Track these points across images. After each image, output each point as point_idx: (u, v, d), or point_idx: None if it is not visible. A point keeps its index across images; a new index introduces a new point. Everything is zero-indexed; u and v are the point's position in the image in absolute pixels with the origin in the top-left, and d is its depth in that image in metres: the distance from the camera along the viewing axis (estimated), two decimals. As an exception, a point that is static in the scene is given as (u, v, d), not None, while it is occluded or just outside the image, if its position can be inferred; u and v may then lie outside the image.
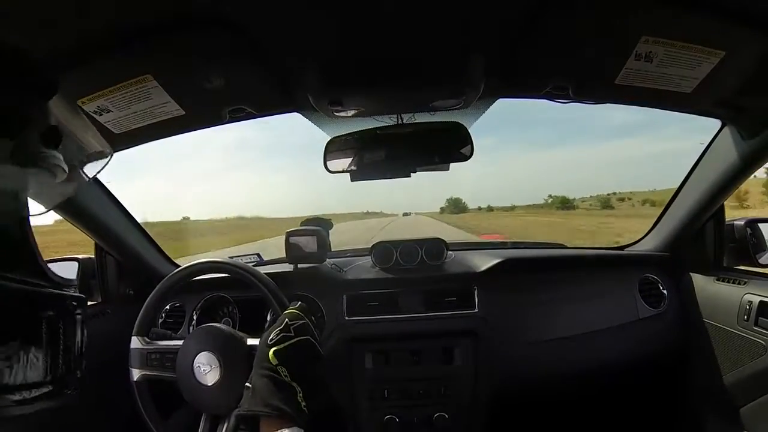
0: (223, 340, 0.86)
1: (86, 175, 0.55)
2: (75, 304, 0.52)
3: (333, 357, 1.28)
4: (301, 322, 0.75)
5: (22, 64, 0.42)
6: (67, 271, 1.31)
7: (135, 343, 0.96)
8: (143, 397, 0.92)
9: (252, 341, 0.85)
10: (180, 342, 0.92)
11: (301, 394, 0.69)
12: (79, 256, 1.34)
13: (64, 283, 0.53)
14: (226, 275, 0.99)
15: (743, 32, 0.75)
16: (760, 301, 1.10)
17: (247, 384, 0.71)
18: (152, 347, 0.93)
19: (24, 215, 0.48)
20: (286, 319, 0.75)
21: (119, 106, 0.86)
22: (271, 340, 0.72)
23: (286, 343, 0.72)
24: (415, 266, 1.40)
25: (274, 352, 0.71)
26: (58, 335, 0.50)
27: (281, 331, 0.73)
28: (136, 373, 0.92)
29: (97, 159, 0.56)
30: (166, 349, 0.92)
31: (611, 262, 1.56)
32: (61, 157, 0.47)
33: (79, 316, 0.53)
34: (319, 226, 1.44)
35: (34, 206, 0.51)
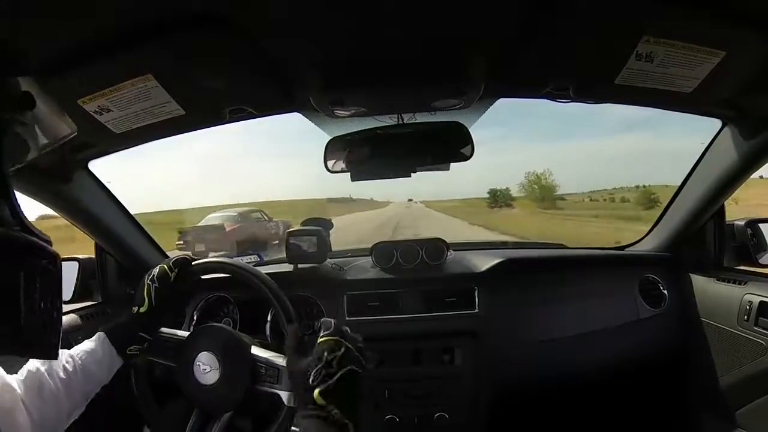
0: (226, 342, 0.86)
1: (49, 139, 0.55)
2: (45, 261, 0.53)
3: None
4: (341, 351, 0.68)
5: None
6: (67, 271, 1.31)
7: None
8: (140, 383, 0.92)
9: (257, 351, 0.84)
10: (181, 333, 0.92)
11: (353, 428, 0.65)
12: (79, 256, 1.34)
13: (42, 236, 0.54)
14: (226, 275, 0.99)
15: (744, 33, 0.75)
16: (761, 302, 1.10)
17: (294, 429, 0.70)
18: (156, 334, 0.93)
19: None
20: (325, 353, 0.67)
21: (120, 106, 0.86)
22: (313, 381, 0.65)
23: (331, 381, 0.65)
24: (415, 266, 1.40)
25: (320, 392, 0.64)
26: (34, 283, 0.50)
27: (323, 368, 0.66)
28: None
29: (65, 137, 0.58)
30: (168, 337, 0.91)
31: (611, 262, 1.57)
32: (35, 129, 0.49)
33: (52, 270, 0.53)
34: (319, 226, 1.44)
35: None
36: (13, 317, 0.47)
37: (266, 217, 12.51)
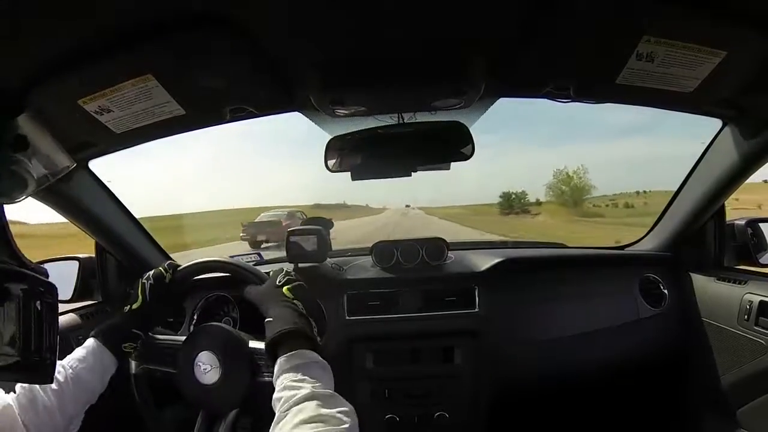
0: (225, 340, 0.86)
1: (49, 176, 0.58)
2: (42, 289, 0.54)
3: (334, 356, 1.27)
4: (294, 274, 0.81)
5: None
6: (68, 270, 1.32)
7: None
8: (141, 389, 0.92)
9: (254, 344, 0.85)
10: (179, 338, 0.92)
11: (315, 329, 0.74)
12: (80, 256, 1.34)
13: (36, 268, 0.56)
14: (226, 275, 0.99)
15: (744, 33, 0.74)
16: (761, 301, 1.10)
17: (268, 319, 0.73)
18: (153, 341, 0.93)
19: None
20: (284, 269, 0.81)
21: (120, 106, 0.86)
22: (279, 281, 0.78)
23: (295, 284, 0.78)
24: (415, 266, 1.40)
25: (288, 289, 0.76)
26: (30, 311, 0.52)
27: (285, 275, 0.79)
28: (134, 366, 0.92)
29: (62, 172, 0.60)
30: (166, 344, 0.92)
31: (612, 262, 1.57)
32: (31, 167, 0.51)
33: (49, 301, 0.55)
34: (320, 225, 1.44)
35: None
36: (12, 347, 0.48)
37: (304, 216, 15.76)
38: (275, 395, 0.62)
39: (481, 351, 1.30)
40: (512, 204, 40.83)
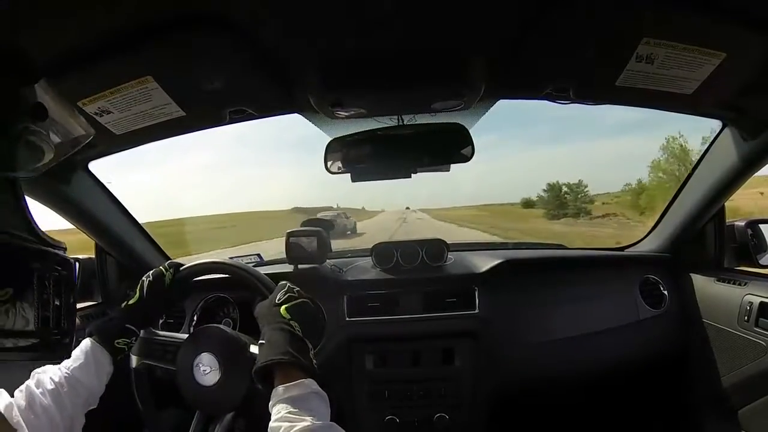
0: (226, 342, 0.86)
1: (68, 146, 0.57)
2: (59, 267, 0.54)
3: (333, 358, 1.28)
4: (299, 288, 0.78)
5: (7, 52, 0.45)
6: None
7: None
8: (140, 384, 0.91)
9: (255, 349, 0.84)
10: (180, 335, 0.92)
11: (312, 351, 0.71)
12: (80, 256, 1.34)
13: (54, 243, 0.56)
14: (226, 276, 0.99)
15: (744, 34, 0.75)
16: (761, 302, 1.10)
17: (261, 341, 0.72)
18: (154, 337, 0.93)
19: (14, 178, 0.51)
20: (287, 285, 0.77)
21: (120, 108, 0.86)
22: (279, 300, 0.74)
23: (294, 302, 0.74)
24: (415, 267, 1.40)
25: (286, 308, 0.73)
26: (46, 289, 0.52)
27: (286, 292, 0.76)
28: (135, 361, 0.92)
29: (80, 140, 0.59)
30: (168, 341, 0.91)
31: (612, 263, 1.57)
32: (48, 135, 0.51)
33: (66, 275, 0.55)
34: (320, 226, 1.44)
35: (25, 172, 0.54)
36: (27, 323, 0.48)
37: (347, 216, 20.26)
38: (271, 424, 0.62)
39: (481, 352, 1.30)
40: (564, 201, 26.19)
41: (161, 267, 0.89)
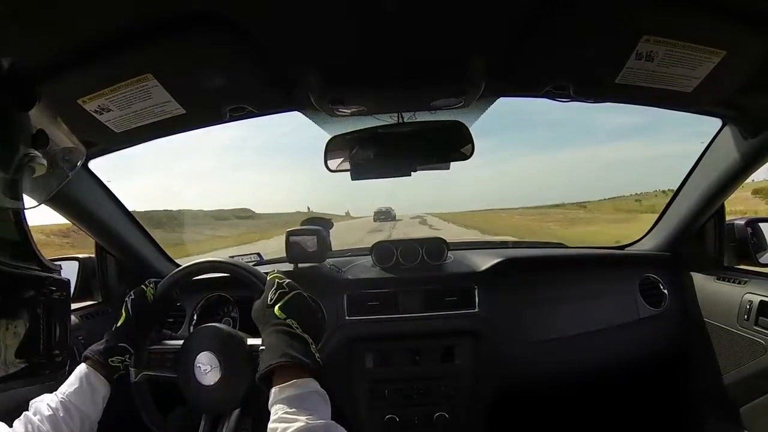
0: (223, 340, 0.86)
1: (66, 169, 0.57)
2: (54, 288, 0.54)
3: (333, 357, 1.28)
4: (288, 279, 0.78)
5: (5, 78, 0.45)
6: (68, 270, 1.31)
7: None
8: (143, 397, 0.91)
9: (252, 341, 0.84)
10: (179, 342, 0.92)
11: (313, 346, 0.70)
12: (80, 256, 1.34)
13: (53, 267, 0.55)
14: (226, 275, 0.99)
15: (744, 32, 0.75)
16: (761, 301, 1.10)
17: (261, 347, 0.71)
18: (152, 347, 0.93)
19: (16, 207, 0.51)
20: (276, 280, 0.76)
21: (120, 105, 0.86)
22: (270, 300, 0.73)
23: (286, 299, 0.73)
24: (415, 266, 1.40)
25: (280, 308, 0.72)
26: (37, 316, 0.52)
27: (276, 289, 0.74)
28: (135, 374, 0.92)
29: (73, 155, 0.59)
30: (166, 348, 0.91)
31: (612, 262, 1.57)
32: (40, 155, 0.51)
33: (60, 298, 0.55)
34: (320, 226, 1.44)
35: (28, 200, 0.54)
36: (25, 350, 0.48)
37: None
38: (269, 425, 0.62)
39: (480, 351, 1.30)
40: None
41: (143, 285, 0.90)
